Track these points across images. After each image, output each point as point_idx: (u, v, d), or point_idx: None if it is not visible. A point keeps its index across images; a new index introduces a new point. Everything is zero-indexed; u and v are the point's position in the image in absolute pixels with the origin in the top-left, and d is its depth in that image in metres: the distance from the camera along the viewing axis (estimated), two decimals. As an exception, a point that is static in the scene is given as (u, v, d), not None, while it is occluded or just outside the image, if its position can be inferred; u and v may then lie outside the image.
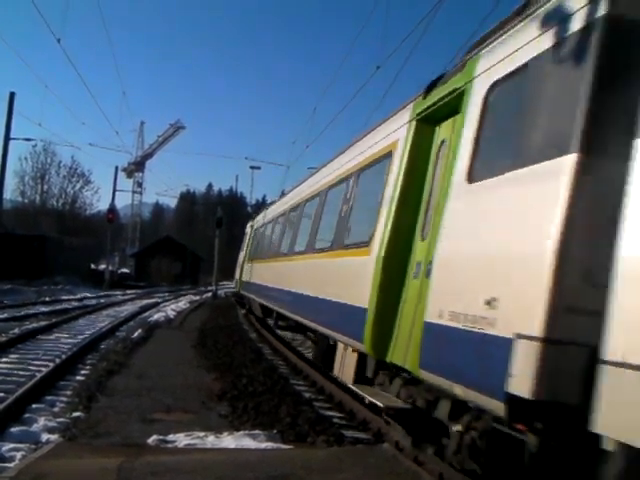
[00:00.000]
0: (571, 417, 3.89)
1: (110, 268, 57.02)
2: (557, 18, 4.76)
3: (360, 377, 8.23)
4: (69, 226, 66.78)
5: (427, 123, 7.52)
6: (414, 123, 7.66)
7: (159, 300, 36.57)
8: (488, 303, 4.64)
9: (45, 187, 70.95)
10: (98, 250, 66.18)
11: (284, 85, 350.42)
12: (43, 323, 17.87)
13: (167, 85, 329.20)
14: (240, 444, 6.71)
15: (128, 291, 47.74)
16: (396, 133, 8.19)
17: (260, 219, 26.26)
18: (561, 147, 4.24)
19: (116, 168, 60.54)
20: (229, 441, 6.81)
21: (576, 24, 4.48)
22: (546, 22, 4.92)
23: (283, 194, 21.11)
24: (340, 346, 9.39)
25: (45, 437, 6.75)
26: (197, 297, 42.99)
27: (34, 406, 8.04)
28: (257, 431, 7.18)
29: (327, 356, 10.52)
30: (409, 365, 6.22)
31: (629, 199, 3.59)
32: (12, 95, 37.23)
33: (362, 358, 8.18)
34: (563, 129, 4.34)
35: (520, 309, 4.27)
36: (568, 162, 4.12)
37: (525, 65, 5.15)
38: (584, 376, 3.76)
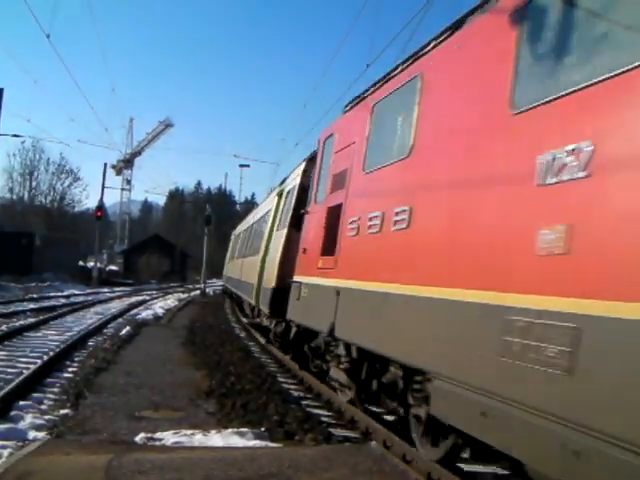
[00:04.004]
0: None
1: (98, 265, 56.77)
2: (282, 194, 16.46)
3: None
4: (57, 223, 66.46)
5: (279, 197, 16.45)
6: (276, 197, 17.04)
7: (147, 297, 36.47)
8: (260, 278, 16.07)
9: (33, 184, 70.67)
10: (86, 247, 65.93)
11: (274, 82, 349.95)
12: (31, 320, 17.80)
13: (156, 82, 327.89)
14: (228, 442, 6.70)
15: (116, 288, 47.61)
16: (273, 200, 17.51)
17: None
18: (285, 225, 13.94)
19: (105, 165, 60.20)
20: (217, 439, 6.81)
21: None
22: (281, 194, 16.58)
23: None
24: (247, 301, 20.00)
25: (32, 434, 6.72)
26: (185, 295, 42.88)
27: (21, 403, 7.99)
28: (245, 429, 7.17)
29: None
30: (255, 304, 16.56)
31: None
32: (0, 91, 36.86)
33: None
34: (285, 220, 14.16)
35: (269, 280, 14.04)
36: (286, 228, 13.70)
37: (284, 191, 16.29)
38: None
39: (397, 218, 6.55)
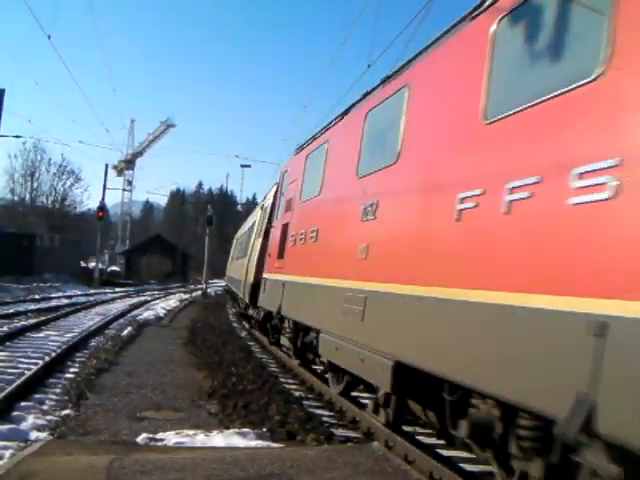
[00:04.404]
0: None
1: (100, 266, 56.80)
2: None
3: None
4: (58, 224, 66.45)
5: (262, 210, 19.69)
6: (260, 210, 21.16)
7: (149, 298, 36.50)
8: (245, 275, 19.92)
9: (35, 185, 70.64)
10: (88, 248, 65.98)
11: (275, 83, 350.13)
12: (32, 321, 17.80)
13: (158, 83, 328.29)
14: (229, 442, 6.70)
15: (118, 289, 47.65)
16: (258, 212, 21.29)
17: None
18: (261, 234, 17.70)
19: (106, 166, 60.09)
20: (219, 439, 6.80)
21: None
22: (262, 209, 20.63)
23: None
24: (239, 295, 22.73)
25: (34, 435, 6.72)
26: (187, 295, 42.89)
27: (23, 404, 7.99)
28: (247, 429, 7.17)
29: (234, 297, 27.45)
30: (244, 298, 19.92)
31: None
32: (2, 92, 36.87)
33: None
34: (261, 231, 17.87)
35: (249, 277, 18.31)
36: (261, 237, 17.54)
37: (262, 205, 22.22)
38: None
39: (312, 235, 10.37)
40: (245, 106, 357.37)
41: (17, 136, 43.94)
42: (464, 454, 6.95)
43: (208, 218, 43.54)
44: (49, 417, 7.53)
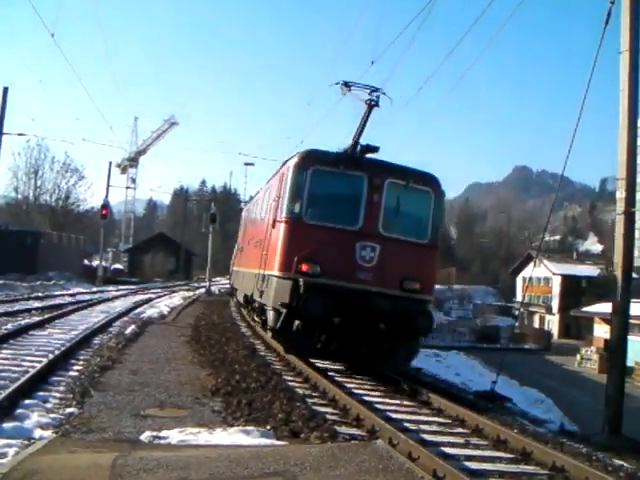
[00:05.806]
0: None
1: (103, 264, 56.87)
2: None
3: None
4: (62, 222, 66.53)
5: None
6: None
7: (152, 296, 36.45)
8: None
9: (38, 182, 70.68)
10: (91, 246, 66.07)
11: (279, 80, 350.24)
12: (36, 319, 17.79)
13: (161, 81, 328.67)
14: (233, 440, 6.70)
15: (121, 287, 47.56)
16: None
17: None
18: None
19: (110, 164, 60.16)
20: (222, 437, 6.81)
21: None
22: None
23: None
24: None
25: (38, 433, 6.73)
26: (190, 293, 42.87)
27: (27, 402, 7.99)
28: (250, 427, 7.17)
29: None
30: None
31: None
32: (6, 90, 36.90)
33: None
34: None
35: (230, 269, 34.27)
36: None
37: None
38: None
39: (243, 248, 23.95)
40: (248, 104, 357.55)
41: (21, 134, 44.02)
42: (468, 452, 6.94)
43: (211, 216, 43.63)
44: (53, 415, 7.54)
